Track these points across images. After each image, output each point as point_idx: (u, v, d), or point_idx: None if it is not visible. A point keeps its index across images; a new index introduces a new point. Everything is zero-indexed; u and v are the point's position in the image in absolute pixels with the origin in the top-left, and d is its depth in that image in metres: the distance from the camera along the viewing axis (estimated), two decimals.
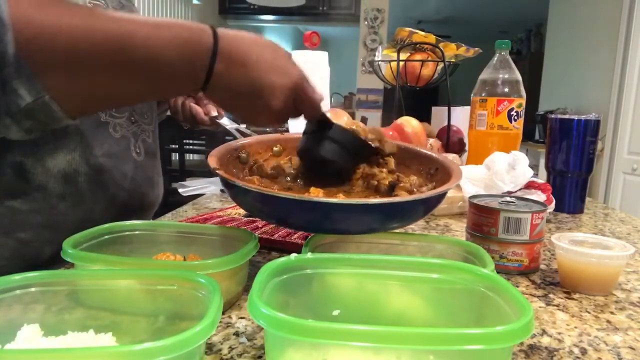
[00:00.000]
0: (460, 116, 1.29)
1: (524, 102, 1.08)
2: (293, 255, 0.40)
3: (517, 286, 0.58)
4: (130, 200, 0.72)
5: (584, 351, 0.43)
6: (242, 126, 0.73)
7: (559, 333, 0.46)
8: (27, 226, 0.63)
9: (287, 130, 0.89)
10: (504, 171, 0.85)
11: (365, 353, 0.30)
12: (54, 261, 0.63)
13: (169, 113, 0.91)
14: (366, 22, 4.45)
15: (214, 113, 0.77)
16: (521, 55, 6.08)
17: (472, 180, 0.88)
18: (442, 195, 0.53)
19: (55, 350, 0.31)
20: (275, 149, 0.68)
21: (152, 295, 0.39)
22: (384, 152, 0.61)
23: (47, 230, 0.64)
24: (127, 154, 0.70)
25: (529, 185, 0.88)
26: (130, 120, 0.71)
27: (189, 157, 2.88)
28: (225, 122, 0.76)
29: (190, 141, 2.63)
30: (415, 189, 0.58)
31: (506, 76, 1.06)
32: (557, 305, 0.53)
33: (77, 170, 0.64)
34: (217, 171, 0.53)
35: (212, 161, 0.56)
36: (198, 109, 0.77)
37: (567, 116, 0.97)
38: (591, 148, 0.95)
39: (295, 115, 0.54)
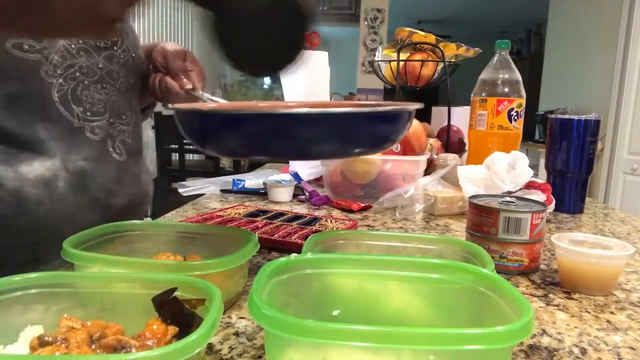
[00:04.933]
0: (460, 116, 1.29)
1: (524, 102, 1.08)
2: (293, 255, 0.40)
3: (517, 286, 0.58)
4: (115, 201, 0.72)
5: (584, 351, 0.43)
6: (218, 98, 0.73)
7: (559, 333, 0.46)
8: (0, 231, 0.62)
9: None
10: (504, 171, 0.85)
11: (365, 353, 0.30)
12: (37, 265, 0.62)
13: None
14: (366, 22, 4.45)
15: (189, 86, 0.77)
16: (521, 55, 6.08)
17: (472, 180, 0.88)
18: (404, 115, 0.50)
19: (44, 357, 0.31)
20: None
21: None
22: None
23: (23, 235, 0.64)
24: (107, 156, 0.70)
25: (529, 185, 0.88)
26: (109, 122, 0.71)
27: (189, 157, 2.89)
28: (201, 94, 0.76)
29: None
30: None
31: (506, 76, 1.06)
32: (557, 305, 0.53)
33: (56, 175, 0.64)
34: (170, 106, 0.50)
35: (170, 104, 0.52)
36: (172, 83, 0.77)
37: (567, 116, 0.97)
38: (591, 148, 0.95)
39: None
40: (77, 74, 0.66)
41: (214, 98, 0.72)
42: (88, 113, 0.67)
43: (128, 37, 0.76)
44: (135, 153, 0.76)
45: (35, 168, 0.62)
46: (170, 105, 0.52)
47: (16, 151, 0.62)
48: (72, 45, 0.65)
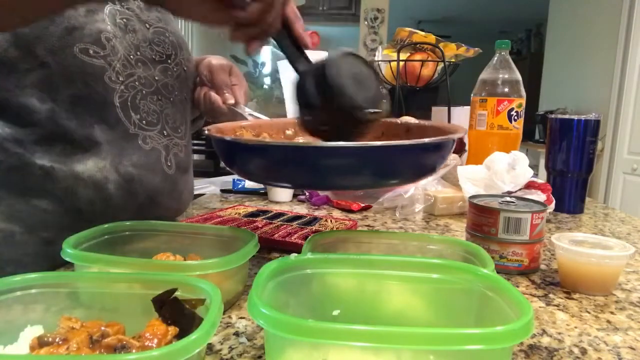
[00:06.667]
0: (460, 116, 1.29)
1: (524, 102, 1.08)
2: (293, 255, 0.40)
3: (517, 286, 0.58)
4: (155, 211, 0.73)
5: (584, 351, 0.43)
6: (259, 114, 0.73)
7: (559, 333, 0.46)
8: (52, 226, 0.64)
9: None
10: (504, 171, 0.85)
11: (365, 353, 0.30)
12: None
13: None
14: (366, 22, 4.45)
15: (231, 101, 0.78)
16: (521, 55, 6.07)
17: (472, 180, 0.88)
18: (445, 146, 0.49)
19: (44, 357, 0.31)
20: (288, 132, 0.66)
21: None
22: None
23: (72, 233, 0.65)
24: (157, 167, 0.71)
25: (529, 185, 0.88)
26: (162, 134, 0.72)
27: None
28: (242, 109, 0.76)
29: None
30: None
31: (506, 76, 1.06)
32: (557, 305, 0.53)
33: (107, 178, 0.65)
34: (208, 131, 0.52)
35: (212, 129, 0.54)
36: (216, 97, 0.78)
37: (567, 116, 0.97)
38: (591, 148, 0.95)
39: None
40: (136, 83, 0.68)
41: (255, 114, 0.73)
42: (143, 122, 0.69)
43: (182, 51, 0.77)
44: (184, 169, 0.77)
45: (88, 168, 0.64)
46: (206, 131, 0.54)
47: (72, 150, 0.64)
48: (131, 56, 0.68)
